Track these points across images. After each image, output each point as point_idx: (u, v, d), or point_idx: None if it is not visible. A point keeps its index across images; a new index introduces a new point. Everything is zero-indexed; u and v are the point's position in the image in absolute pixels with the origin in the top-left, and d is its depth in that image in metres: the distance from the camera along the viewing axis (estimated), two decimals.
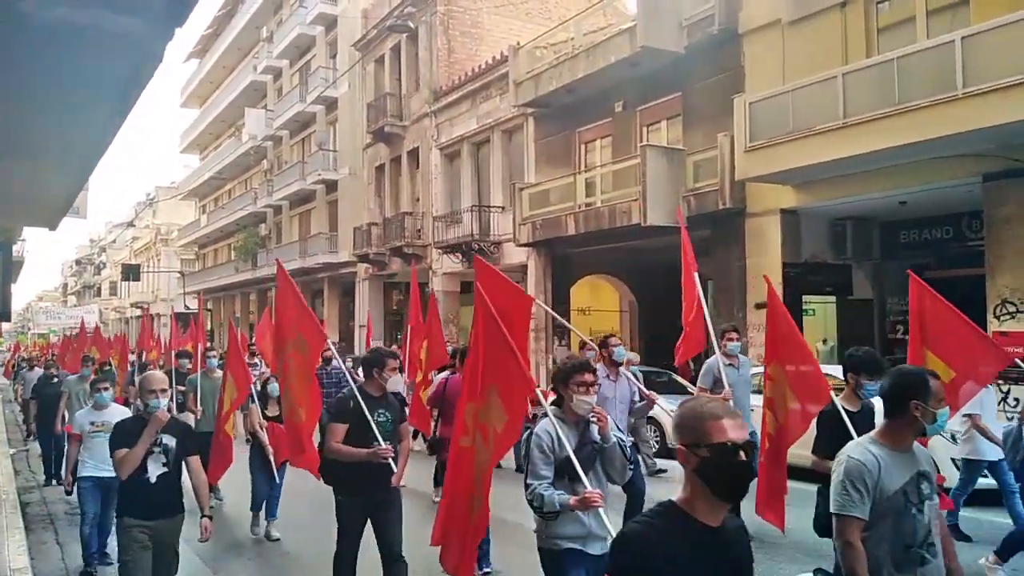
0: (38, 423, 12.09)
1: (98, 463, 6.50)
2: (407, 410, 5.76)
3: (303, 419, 5.96)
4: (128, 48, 3.70)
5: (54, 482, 10.99)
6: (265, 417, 8.06)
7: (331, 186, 30.26)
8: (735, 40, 14.01)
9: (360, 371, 6.66)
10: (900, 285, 14.13)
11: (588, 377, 3.84)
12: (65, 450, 8.98)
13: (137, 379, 11.18)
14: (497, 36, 23.67)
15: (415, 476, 7.78)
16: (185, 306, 44.19)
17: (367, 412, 5.07)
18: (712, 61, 14.44)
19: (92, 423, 6.67)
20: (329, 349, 14.33)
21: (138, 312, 60.45)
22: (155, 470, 4.73)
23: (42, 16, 3.32)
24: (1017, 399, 10.38)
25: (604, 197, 16.02)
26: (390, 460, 5.06)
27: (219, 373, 9.57)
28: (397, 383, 5.24)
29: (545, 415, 3.88)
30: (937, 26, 11.18)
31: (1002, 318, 10.26)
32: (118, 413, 6.65)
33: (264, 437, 7.94)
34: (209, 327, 37.51)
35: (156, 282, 54.16)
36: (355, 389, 5.18)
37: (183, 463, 4.88)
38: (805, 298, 13.75)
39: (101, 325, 28.18)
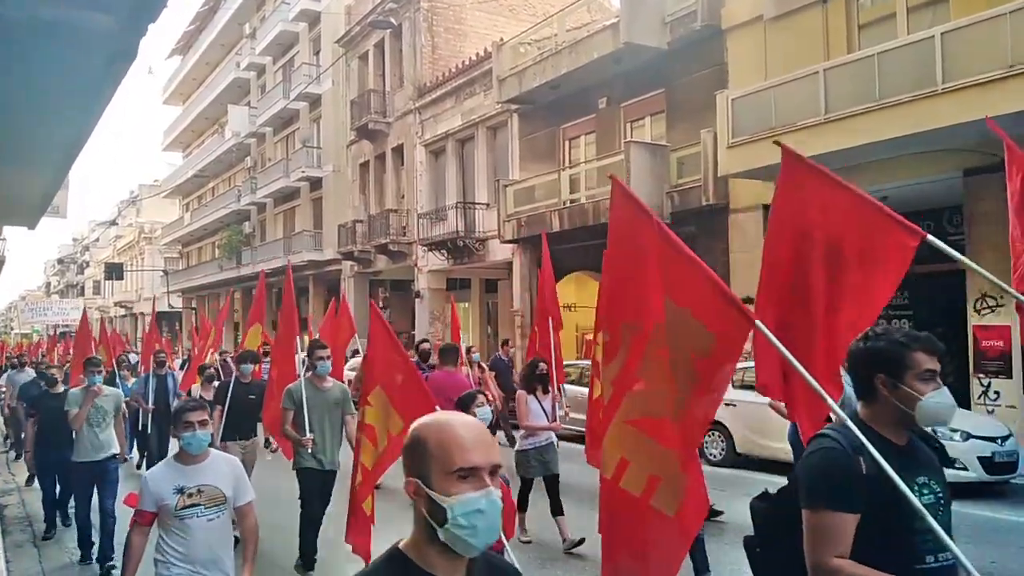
0: (38, 450, 7.91)
1: (199, 563, 3.61)
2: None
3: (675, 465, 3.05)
4: (100, 45, 3.67)
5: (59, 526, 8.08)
6: None
7: (315, 183, 30.11)
8: (718, 36, 14.04)
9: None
10: None
11: None
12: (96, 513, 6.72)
13: (175, 401, 8.95)
14: (481, 32, 23.63)
15: None
16: (169, 305, 43.93)
17: (899, 482, 2.22)
18: (695, 57, 14.47)
19: (182, 490, 3.60)
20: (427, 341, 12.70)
21: (122, 311, 60.07)
22: None
23: (10, 12, 3.28)
24: (998, 392, 10.47)
25: (588, 193, 16.03)
26: None
27: (331, 383, 6.59)
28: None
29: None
30: (917, 22, 11.24)
31: (982, 312, 10.34)
32: (228, 469, 3.77)
33: None
34: (195, 325, 37.29)
35: (140, 281, 53.82)
36: (852, 426, 2.34)
37: None
38: None
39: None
